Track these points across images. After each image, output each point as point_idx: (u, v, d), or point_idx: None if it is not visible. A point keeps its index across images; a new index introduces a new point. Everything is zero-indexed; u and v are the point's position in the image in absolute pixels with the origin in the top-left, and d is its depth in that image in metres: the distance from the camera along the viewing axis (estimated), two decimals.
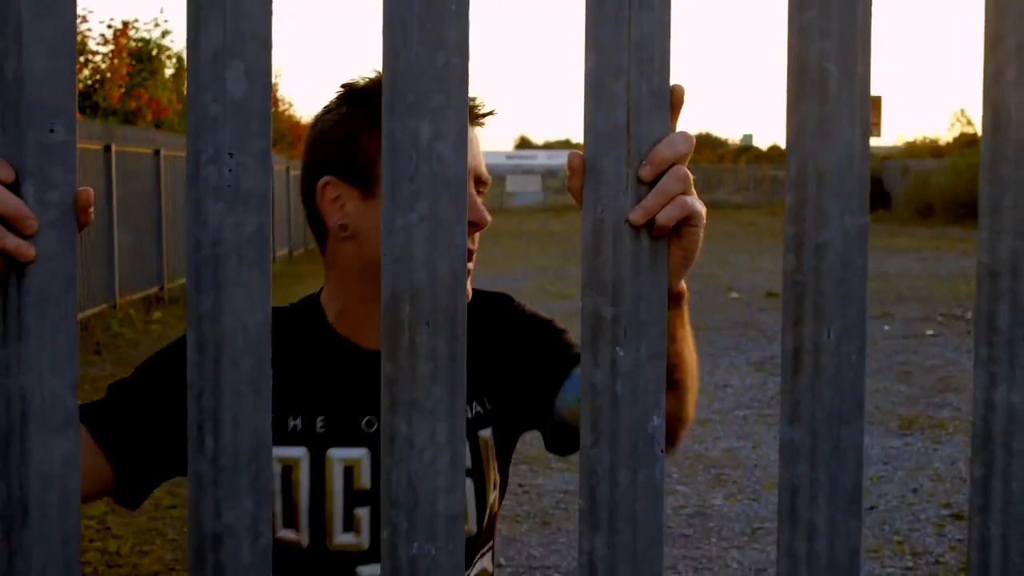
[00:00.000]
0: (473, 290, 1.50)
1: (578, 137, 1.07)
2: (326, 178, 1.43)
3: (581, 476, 1.07)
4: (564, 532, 5.60)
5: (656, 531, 1.06)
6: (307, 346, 1.49)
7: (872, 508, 6.02)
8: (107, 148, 12.90)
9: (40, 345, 1.04)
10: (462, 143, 1.04)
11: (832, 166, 1.05)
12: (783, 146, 1.07)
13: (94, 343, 10.95)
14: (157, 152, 14.92)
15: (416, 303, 1.04)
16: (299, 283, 16.37)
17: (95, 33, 18.26)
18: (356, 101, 1.44)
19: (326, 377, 1.48)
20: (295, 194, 23.32)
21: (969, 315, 13.63)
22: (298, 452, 1.44)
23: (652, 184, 1.02)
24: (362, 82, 1.45)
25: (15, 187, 1.04)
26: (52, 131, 1.04)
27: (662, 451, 1.06)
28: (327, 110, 1.47)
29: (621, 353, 1.04)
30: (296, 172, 23.56)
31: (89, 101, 16.31)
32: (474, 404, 1.51)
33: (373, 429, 1.46)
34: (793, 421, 1.06)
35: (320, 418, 1.46)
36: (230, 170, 1.03)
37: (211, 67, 1.03)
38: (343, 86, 1.47)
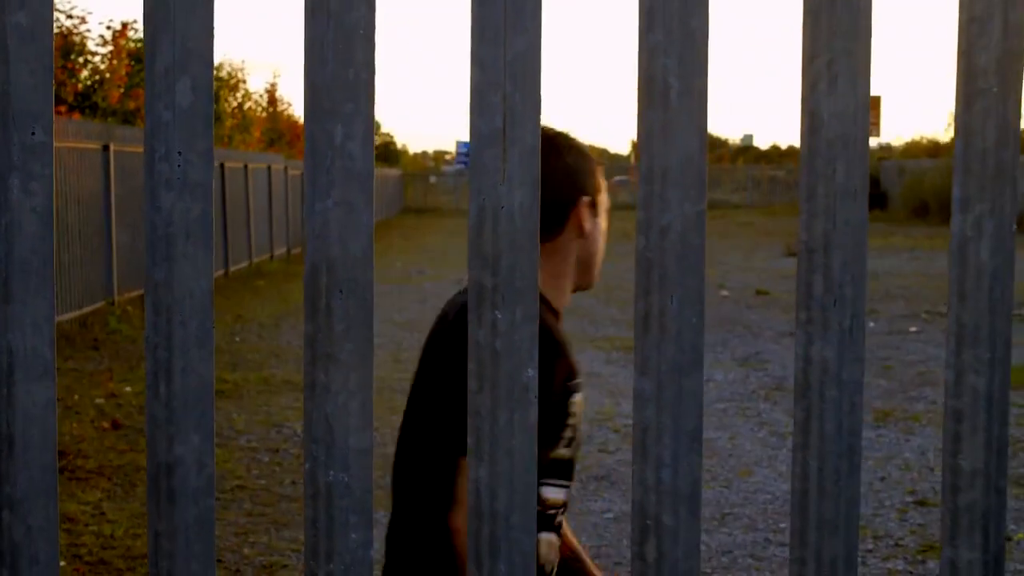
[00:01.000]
0: None
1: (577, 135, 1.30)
2: (586, 198, 1.87)
3: (469, 417, 1.29)
4: None
5: (529, 462, 1.28)
6: None
7: None
8: (105, 148, 13.13)
9: (24, 308, 1.27)
10: (369, 142, 1.26)
11: (674, 162, 1.28)
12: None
13: (92, 339, 11.18)
14: None
15: (332, 274, 1.27)
16: (295, 281, 16.60)
17: (94, 34, 18.49)
18: (581, 151, 1.92)
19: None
20: (294, 194, 23.50)
21: None
22: None
23: None
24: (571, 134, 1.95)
25: (3, 181, 1.27)
26: (33, 133, 1.27)
27: (535, 397, 1.29)
28: (564, 147, 1.88)
29: (499, 316, 1.27)
30: (295, 172, 23.78)
31: (88, 101, 16.54)
32: None
33: None
34: (643, 373, 1.29)
35: None
36: (179, 165, 1.26)
37: (164, 81, 1.26)
38: (562, 133, 1.93)
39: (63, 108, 15.19)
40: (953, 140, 1.34)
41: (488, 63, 1.26)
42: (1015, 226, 1.30)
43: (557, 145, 1.88)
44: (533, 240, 1.28)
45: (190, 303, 1.27)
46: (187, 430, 1.28)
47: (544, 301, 1.77)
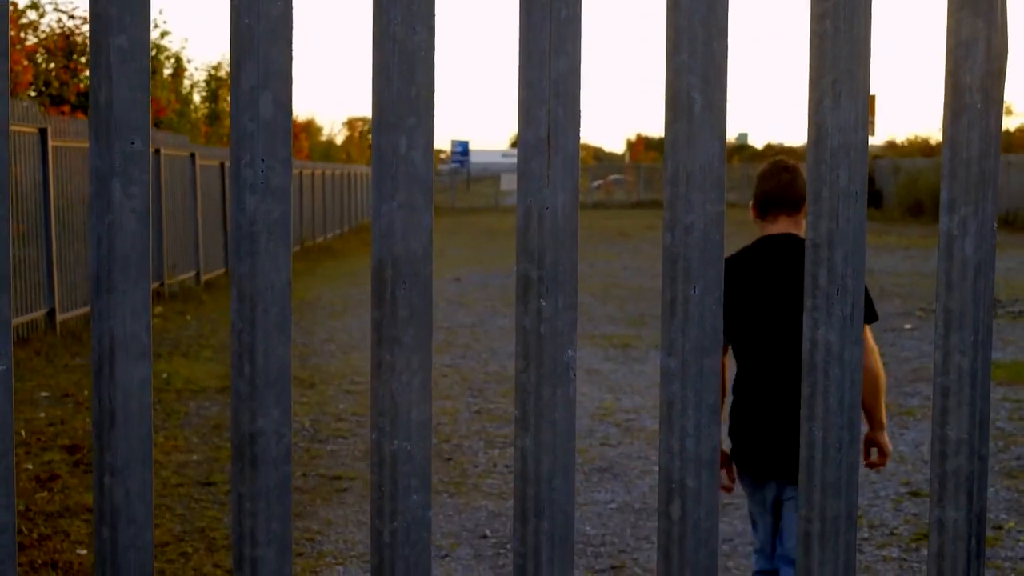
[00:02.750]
0: None
1: None
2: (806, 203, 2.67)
3: (516, 393, 1.47)
4: None
5: (569, 433, 1.46)
6: None
7: None
8: None
9: (124, 297, 1.45)
10: (430, 152, 1.44)
11: (696, 168, 1.45)
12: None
13: None
14: (157, 151, 15.29)
15: (396, 268, 1.45)
16: (297, 281, 16.76)
17: None
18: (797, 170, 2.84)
19: None
20: (295, 194, 23.73)
21: None
22: None
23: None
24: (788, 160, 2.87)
25: (106, 184, 1.44)
26: (133, 143, 1.44)
27: (574, 375, 1.46)
28: (800, 168, 2.83)
29: (544, 303, 1.45)
30: (295, 172, 23.96)
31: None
32: None
33: None
34: (670, 353, 1.47)
35: None
36: (262, 172, 1.43)
37: (248, 97, 1.43)
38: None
39: (67, 108, 15.33)
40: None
41: (534, 82, 1.43)
42: (995, 225, 1.48)
43: (798, 167, 2.90)
44: (573, 238, 1.45)
45: (271, 293, 1.44)
46: (268, 404, 1.45)
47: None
